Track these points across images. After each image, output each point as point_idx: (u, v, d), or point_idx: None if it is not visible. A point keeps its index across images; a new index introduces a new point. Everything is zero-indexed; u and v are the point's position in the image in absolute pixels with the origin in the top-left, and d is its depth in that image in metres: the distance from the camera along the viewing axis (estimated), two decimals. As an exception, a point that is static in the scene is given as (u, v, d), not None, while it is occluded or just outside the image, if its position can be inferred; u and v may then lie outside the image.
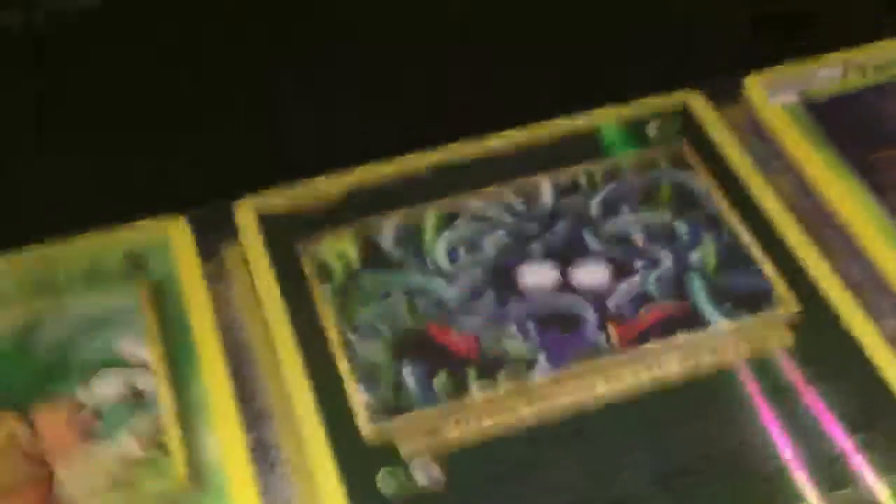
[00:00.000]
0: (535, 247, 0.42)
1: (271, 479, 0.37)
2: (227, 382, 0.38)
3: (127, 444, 0.36)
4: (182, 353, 0.38)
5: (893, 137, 0.45)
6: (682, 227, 0.43)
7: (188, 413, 0.37)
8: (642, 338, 0.39)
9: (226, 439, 0.36)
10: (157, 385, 0.37)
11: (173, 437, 0.36)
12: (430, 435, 0.37)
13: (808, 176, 0.44)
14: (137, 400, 0.37)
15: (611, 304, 0.40)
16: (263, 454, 0.37)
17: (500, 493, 0.36)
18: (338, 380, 0.38)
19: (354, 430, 0.37)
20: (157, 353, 0.38)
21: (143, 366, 0.38)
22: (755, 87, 0.47)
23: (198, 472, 0.36)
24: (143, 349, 0.38)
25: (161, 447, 0.36)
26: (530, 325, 0.40)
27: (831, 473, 0.36)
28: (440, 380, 0.38)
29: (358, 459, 0.36)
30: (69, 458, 0.36)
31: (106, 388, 0.38)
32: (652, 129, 0.46)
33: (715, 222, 0.43)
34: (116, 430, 0.37)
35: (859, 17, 0.49)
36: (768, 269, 0.41)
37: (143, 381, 0.38)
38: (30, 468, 0.36)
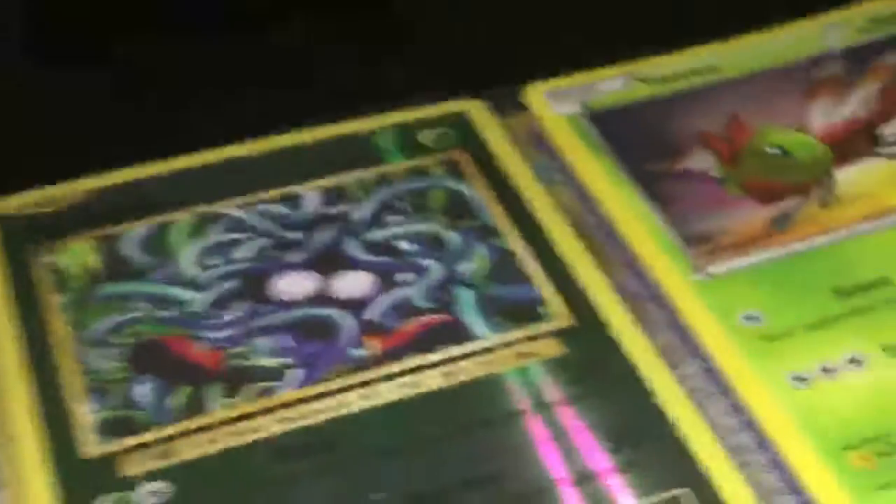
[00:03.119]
0: (295, 255, 0.39)
1: (-16, 503, 0.33)
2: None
3: None
4: None
5: (674, 150, 0.43)
6: (453, 237, 0.40)
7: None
8: (403, 350, 0.37)
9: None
10: None
11: None
12: (163, 456, 0.34)
13: (588, 187, 0.42)
14: None
15: (372, 315, 0.38)
16: (-22, 476, 0.34)
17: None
18: (64, 397, 0.35)
19: (78, 450, 0.34)
20: None
21: None
22: (537, 96, 0.45)
23: None
24: None
25: None
26: (283, 337, 0.37)
27: (594, 493, 0.34)
28: (178, 395, 0.35)
29: (79, 482, 0.33)
30: None
31: None
32: (428, 137, 0.43)
33: (488, 233, 0.40)
34: None
35: (645, 28, 0.48)
36: (541, 281, 0.39)
37: None
38: None
